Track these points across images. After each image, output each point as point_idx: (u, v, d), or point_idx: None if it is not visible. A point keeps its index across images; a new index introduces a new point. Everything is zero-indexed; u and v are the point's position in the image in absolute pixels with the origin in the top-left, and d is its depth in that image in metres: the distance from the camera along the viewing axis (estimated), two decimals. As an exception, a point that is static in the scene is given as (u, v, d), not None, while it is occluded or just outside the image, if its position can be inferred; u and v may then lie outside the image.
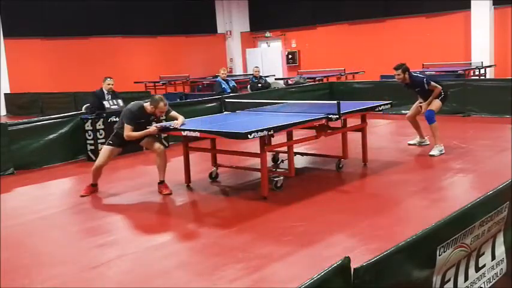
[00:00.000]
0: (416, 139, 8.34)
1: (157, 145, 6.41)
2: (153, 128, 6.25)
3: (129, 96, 12.24)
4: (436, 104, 7.75)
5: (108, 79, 9.46)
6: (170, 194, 6.35)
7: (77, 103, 13.67)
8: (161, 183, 6.45)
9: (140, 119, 6.31)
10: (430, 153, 7.59)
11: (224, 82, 12.84)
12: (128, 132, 6.22)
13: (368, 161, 7.28)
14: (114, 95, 9.50)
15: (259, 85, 14.12)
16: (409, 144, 8.36)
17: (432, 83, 7.73)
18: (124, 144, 6.52)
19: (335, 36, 20.40)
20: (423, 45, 17.73)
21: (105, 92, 9.39)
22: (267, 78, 15.56)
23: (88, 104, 9.38)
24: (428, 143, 8.17)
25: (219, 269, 4.13)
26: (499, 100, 10.66)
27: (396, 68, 7.72)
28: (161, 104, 6.19)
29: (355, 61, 18.63)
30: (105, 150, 6.48)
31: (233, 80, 14.15)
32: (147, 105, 6.32)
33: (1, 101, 17.58)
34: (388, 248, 2.35)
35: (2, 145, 7.98)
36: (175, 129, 6.22)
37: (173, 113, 6.46)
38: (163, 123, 6.34)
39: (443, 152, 7.61)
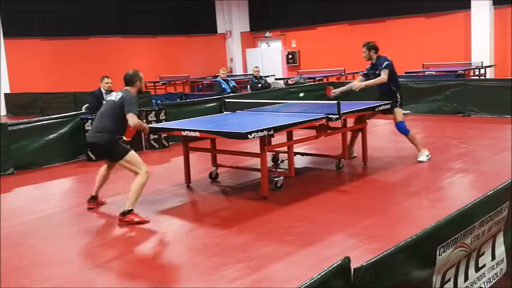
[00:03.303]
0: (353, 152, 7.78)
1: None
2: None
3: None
4: (399, 112, 7.31)
5: (106, 78, 9.45)
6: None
7: (77, 103, 13.68)
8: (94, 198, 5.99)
9: None
10: (419, 159, 7.30)
11: (224, 82, 12.84)
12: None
13: (368, 161, 7.29)
14: (113, 94, 9.48)
15: (259, 85, 14.12)
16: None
17: (386, 70, 7.13)
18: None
19: (335, 36, 20.40)
20: (423, 45, 17.73)
21: (104, 91, 9.39)
22: (267, 78, 15.56)
23: (87, 104, 9.39)
24: (355, 155, 7.62)
25: (219, 269, 4.13)
26: (499, 100, 10.66)
27: (364, 45, 7.41)
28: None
29: (355, 61, 18.56)
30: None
31: (233, 80, 14.16)
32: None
33: (1, 101, 17.58)
34: (388, 248, 2.35)
35: (2, 145, 7.98)
36: (176, 129, 6.20)
37: None
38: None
39: (430, 156, 7.33)
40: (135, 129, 5.59)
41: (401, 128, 7.32)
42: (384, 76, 7.15)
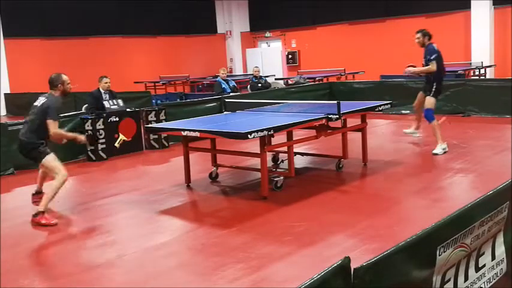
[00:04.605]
0: (411, 128, 8.76)
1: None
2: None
3: (129, 96, 12.26)
4: (430, 100, 7.85)
5: (105, 78, 9.44)
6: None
7: (77, 103, 13.67)
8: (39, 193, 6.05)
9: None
10: (434, 151, 7.66)
11: (224, 82, 12.84)
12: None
13: (368, 161, 7.29)
14: (112, 94, 9.49)
15: (259, 85, 14.12)
16: (404, 133, 8.81)
17: (434, 62, 7.75)
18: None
19: (335, 36, 20.40)
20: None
21: (103, 91, 9.38)
22: (267, 78, 15.55)
23: (87, 105, 9.39)
24: (418, 135, 8.67)
25: (219, 269, 4.13)
26: (499, 100, 10.67)
27: (417, 32, 7.98)
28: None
29: (355, 61, 18.62)
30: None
31: (233, 80, 14.16)
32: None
33: (1, 101, 17.57)
34: (388, 248, 2.35)
35: (2, 145, 7.99)
36: (176, 129, 6.21)
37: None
38: None
39: (447, 150, 7.70)
40: (54, 137, 5.64)
41: (427, 115, 7.81)
42: (431, 67, 7.76)
